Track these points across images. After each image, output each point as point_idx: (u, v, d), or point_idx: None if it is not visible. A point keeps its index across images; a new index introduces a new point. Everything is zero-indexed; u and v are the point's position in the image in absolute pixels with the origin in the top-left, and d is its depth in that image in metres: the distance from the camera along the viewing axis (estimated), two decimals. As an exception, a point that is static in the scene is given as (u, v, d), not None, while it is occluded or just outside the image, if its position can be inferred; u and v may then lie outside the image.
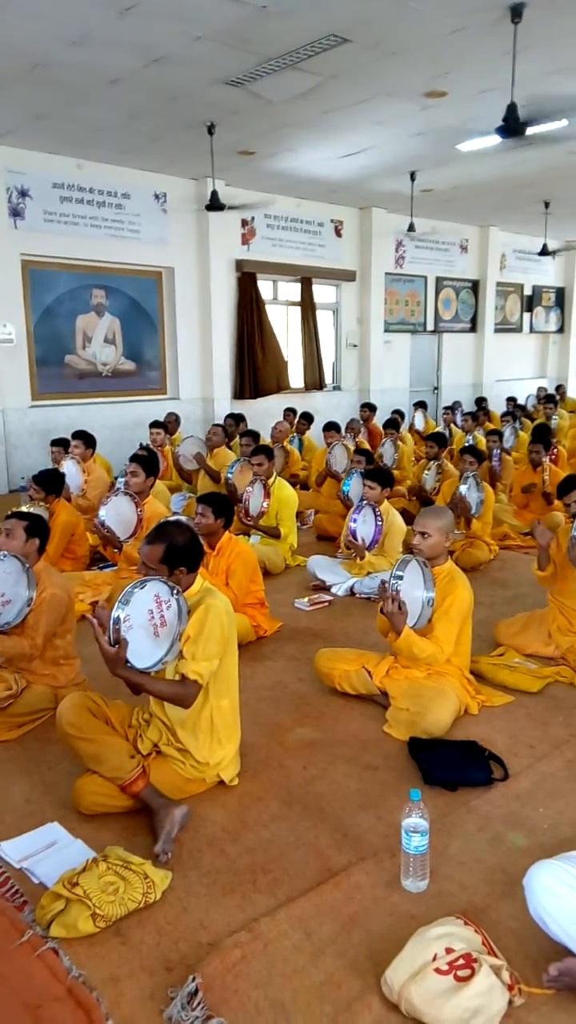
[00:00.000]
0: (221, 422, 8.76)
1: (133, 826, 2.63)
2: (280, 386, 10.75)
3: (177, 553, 2.70)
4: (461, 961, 1.93)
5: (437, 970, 1.91)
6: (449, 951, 1.96)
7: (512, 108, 5.49)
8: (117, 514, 4.90)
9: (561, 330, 16.32)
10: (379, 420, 10.19)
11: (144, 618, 2.56)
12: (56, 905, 2.18)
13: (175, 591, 2.63)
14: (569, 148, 8.19)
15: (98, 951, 2.11)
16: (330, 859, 2.49)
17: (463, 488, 5.82)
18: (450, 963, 1.93)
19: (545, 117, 6.64)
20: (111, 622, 2.48)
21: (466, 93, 6.54)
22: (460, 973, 1.90)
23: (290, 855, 2.51)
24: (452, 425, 10.44)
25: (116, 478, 6.63)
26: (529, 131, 5.66)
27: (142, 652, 2.56)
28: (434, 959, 1.94)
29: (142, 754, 2.71)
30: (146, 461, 5.19)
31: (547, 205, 11.45)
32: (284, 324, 11.38)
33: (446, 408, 11.07)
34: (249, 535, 6.03)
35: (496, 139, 5.85)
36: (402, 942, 2.00)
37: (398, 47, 5.57)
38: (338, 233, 11.46)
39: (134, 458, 5.27)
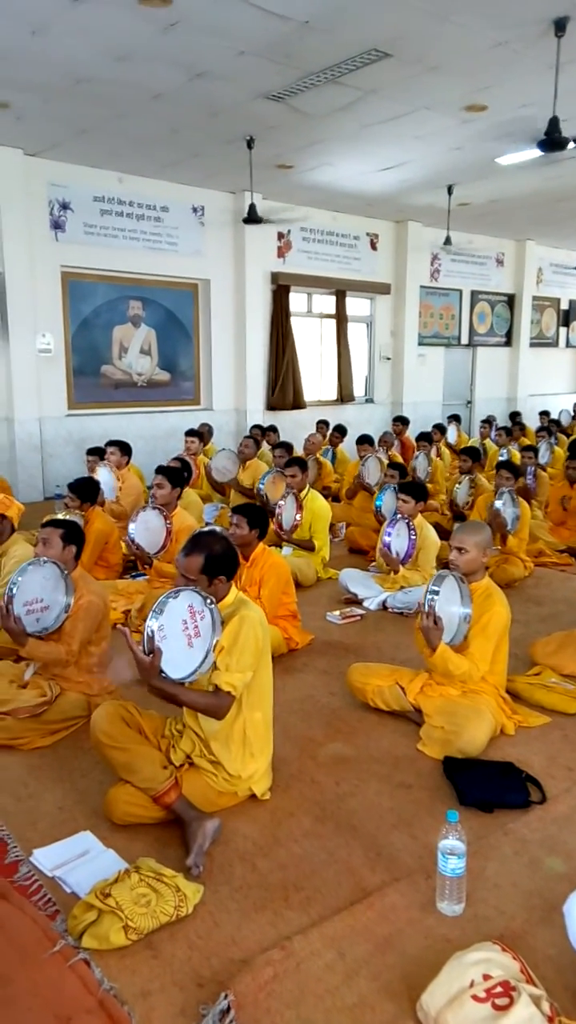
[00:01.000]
0: (246, 435, 8.81)
1: (165, 838, 2.62)
2: (296, 403, 10.71)
3: (216, 562, 2.71)
4: (499, 989, 1.88)
5: (474, 997, 1.86)
6: (487, 978, 1.90)
7: (554, 122, 5.45)
8: (146, 529, 4.88)
9: (598, 345, 16.14)
10: (412, 433, 10.13)
11: (178, 628, 2.56)
12: (88, 916, 2.17)
13: (209, 601, 2.63)
14: (610, 162, 8.12)
15: (129, 964, 2.10)
16: (363, 878, 2.45)
17: (499, 503, 5.76)
18: (488, 990, 1.88)
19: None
20: (146, 631, 2.48)
21: (507, 107, 6.52)
22: (498, 1002, 1.85)
23: (322, 873, 2.48)
24: (487, 439, 10.37)
25: (149, 487, 6.67)
26: (571, 145, 5.60)
27: (177, 662, 2.56)
28: (471, 985, 1.89)
29: (175, 765, 2.70)
30: (171, 472, 5.14)
31: (586, 219, 11.37)
32: (318, 336, 11.41)
33: (483, 422, 10.99)
34: (281, 547, 6.02)
35: (536, 153, 5.83)
36: (437, 966, 1.96)
37: (439, 61, 5.57)
38: (373, 246, 11.48)
39: (160, 469, 5.22)
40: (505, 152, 7.72)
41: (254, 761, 2.78)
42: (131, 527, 4.85)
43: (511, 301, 13.81)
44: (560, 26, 5.00)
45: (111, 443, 7.00)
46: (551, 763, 3.14)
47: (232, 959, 2.13)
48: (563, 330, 15.21)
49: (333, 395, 11.39)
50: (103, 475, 6.48)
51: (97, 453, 7.15)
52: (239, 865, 2.52)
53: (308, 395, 11.25)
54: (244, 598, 2.87)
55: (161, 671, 2.51)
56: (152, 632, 2.50)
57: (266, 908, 2.32)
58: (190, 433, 8.24)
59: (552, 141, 5.47)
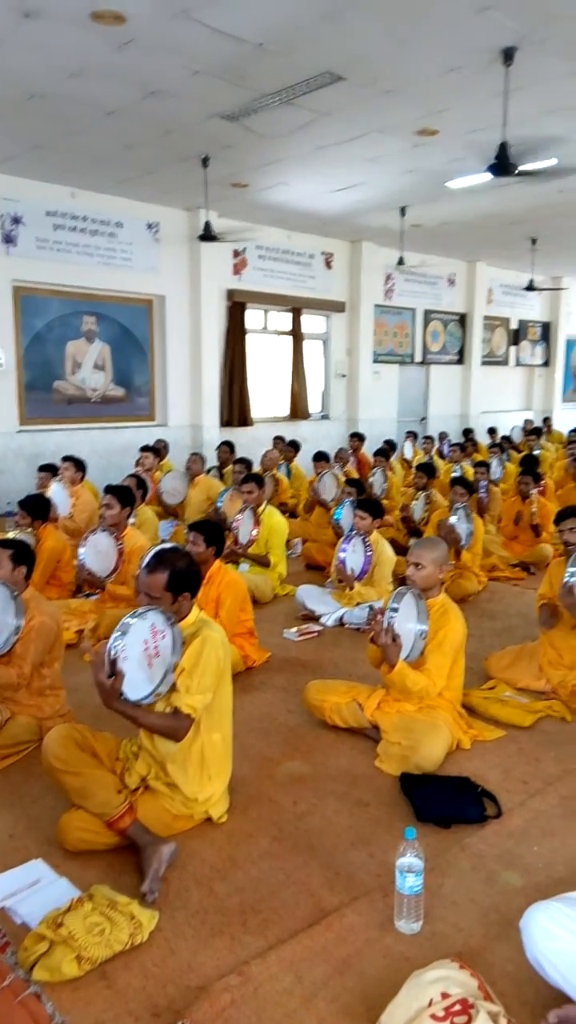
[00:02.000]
0: (199, 451, 8.77)
1: (119, 864, 2.56)
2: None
3: (181, 579, 2.68)
4: (457, 1007, 1.88)
5: (433, 1016, 1.85)
6: (445, 996, 1.90)
7: (503, 147, 5.60)
8: (97, 552, 4.74)
9: (546, 364, 16.55)
10: (367, 450, 10.23)
11: (139, 648, 2.52)
12: (40, 947, 2.10)
13: (171, 620, 2.60)
14: (557, 186, 8.37)
15: (83, 995, 2.04)
16: (322, 899, 2.43)
17: (453, 519, 5.82)
18: (446, 1009, 1.87)
19: (535, 156, 6.78)
20: (107, 653, 2.44)
21: (457, 132, 6.68)
22: (457, 1020, 1.84)
23: (280, 894, 2.45)
24: (437, 455, 10.53)
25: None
26: (519, 169, 5.76)
27: (136, 683, 2.51)
28: (430, 1004, 1.88)
29: (129, 788, 2.64)
30: (121, 492, 4.99)
31: (534, 242, 11.67)
32: (275, 353, 11.47)
33: (426, 438, 11.17)
34: (238, 563, 5.99)
35: (486, 177, 5.96)
36: (396, 986, 1.95)
37: (392, 85, 5.68)
38: (328, 265, 11.61)
39: (108, 489, 5.05)
40: (456, 176, 7.90)
41: (212, 784, 2.74)
42: (80, 551, 4.72)
43: (463, 320, 14.09)
44: (508, 55, 5.15)
45: (65, 459, 6.90)
46: (506, 777, 3.17)
47: (189, 986, 2.09)
48: (513, 349, 15.57)
49: (287, 412, 11.44)
50: (56, 491, 6.38)
51: (49, 469, 7.04)
52: (196, 890, 2.47)
53: (265, 411, 11.29)
54: (206, 618, 2.85)
55: (121, 693, 2.47)
56: (114, 653, 2.45)
57: (223, 933, 2.29)
58: (145, 449, 8.16)
59: (501, 166, 5.61)
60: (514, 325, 15.43)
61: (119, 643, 2.46)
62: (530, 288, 12.22)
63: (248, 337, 10.68)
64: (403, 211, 9.57)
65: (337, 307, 11.80)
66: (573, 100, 5.96)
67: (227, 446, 8.99)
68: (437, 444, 11.29)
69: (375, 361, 12.49)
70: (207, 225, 8.25)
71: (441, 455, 10.78)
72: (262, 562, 5.82)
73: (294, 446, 9.55)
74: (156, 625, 2.56)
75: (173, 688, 2.60)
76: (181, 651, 2.60)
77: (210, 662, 2.64)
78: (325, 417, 12.27)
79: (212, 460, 9.31)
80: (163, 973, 2.13)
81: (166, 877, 2.49)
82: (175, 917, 2.34)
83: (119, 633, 2.48)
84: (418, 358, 13.38)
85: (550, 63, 5.28)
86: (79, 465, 6.89)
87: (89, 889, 2.31)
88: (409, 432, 11.91)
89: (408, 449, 11.19)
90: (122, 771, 2.70)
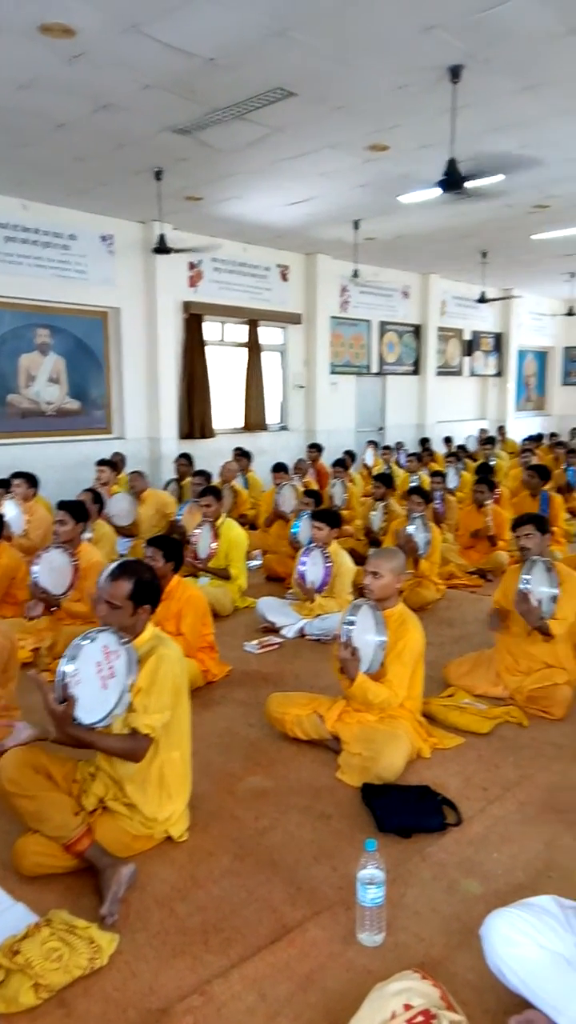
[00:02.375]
0: (140, 469, 8.65)
1: (78, 887, 2.51)
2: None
3: (144, 589, 2.67)
4: (420, 1018, 1.88)
5: (396, 1029, 1.85)
6: (408, 1008, 1.90)
7: (452, 163, 5.71)
8: (51, 569, 4.63)
9: (499, 374, 16.86)
10: (326, 460, 10.28)
11: (92, 671, 2.48)
12: (-5, 977, 2.05)
13: (124, 640, 2.57)
14: (505, 202, 8.56)
15: (40, 1025, 1.99)
16: (284, 915, 2.41)
17: (411, 528, 5.89)
18: (409, 1020, 1.87)
19: (483, 172, 6.92)
20: (58, 678, 2.40)
21: (408, 147, 6.79)
22: (420, 1031, 1.85)
23: (242, 912, 2.43)
24: (395, 465, 10.64)
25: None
26: (468, 185, 5.87)
27: (90, 706, 2.47)
28: (392, 1017, 1.88)
29: (87, 810, 2.60)
30: (73, 508, 4.89)
31: (484, 255, 11.90)
32: (233, 365, 11.48)
33: (384, 448, 11.30)
34: (197, 577, 5.96)
35: (437, 192, 6.05)
36: (359, 1000, 1.95)
37: (343, 102, 5.75)
38: (284, 277, 11.67)
39: (61, 505, 4.94)
40: (407, 191, 8.02)
41: (172, 803, 2.71)
42: (34, 570, 4.62)
43: (418, 332, 14.28)
44: (455, 73, 5.25)
45: (16, 475, 6.76)
46: (466, 784, 3.20)
47: (150, 1009, 2.05)
48: (467, 359, 15.83)
49: (242, 423, 11.45)
50: (9, 509, 6.25)
51: (3, 486, 6.91)
52: (156, 910, 2.44)
53: (223, 423, 11.27)
54: (161, 635, 2.82)
55: (75, 718, 2.43)
56: (65, 678, 2.41)
57: (185, 953, 2.26)
58: (101, 463, 8.07)
59: (450, 182, 5.72)
60: (467, 336, 15.70)
61: (69, 667, 2.42)
62: (482, 300, 12.45)
63: (207, 349, 10.67)
64: (357, 224, 9.69)
65: (293, 319, 11.87)
66: (519, 118, 6.11)
67: (185, 458, 8.94)
68: (395, 454, 11.42)
69: (332, 372, 12.58)
70: (162, 238, 8.23)
71: (399, 465, 10.90)
72: (222, 575, 5.80)
73: (247, 456, 9.54)
74: (109, 646, 2.53)
75: (130, 708, 2.56)
76: (137, 670, 2.57)
77: (167, 680, 2.61)
78: (284, 428, 12.30)
79: (170, 473, 9.27)
80: (124, 997, 2.09)
81: (126, 899, 2.45)
82: (135, 939, 2.31)
83: (69, 657, 2.44)
84: (374, 369, 13.52)
85: (496, 81, 5.40)
86: (31, 481, 6.77)
87: (47, 914, 2.26)
88: (370, 441, 12.04)
89: (369, 456, 11.30)
90: (79, 793, 2.66)
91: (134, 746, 2.54)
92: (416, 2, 4.32)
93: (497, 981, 1.97)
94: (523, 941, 1.90)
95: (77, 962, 2.13)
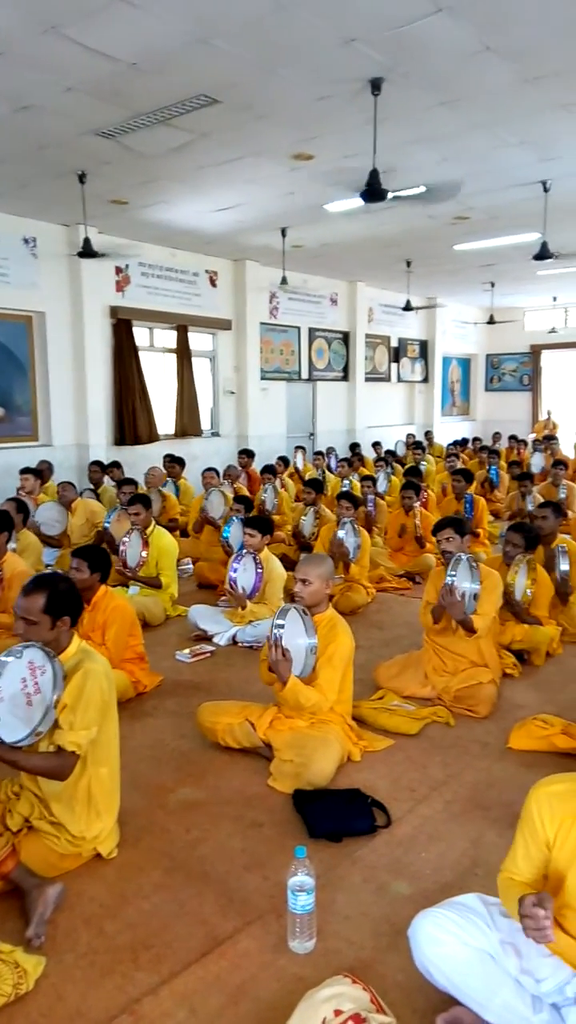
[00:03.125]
0: (68, 478, 8.51)
1: (2, 910, 2.44)
2: (151, 437, 10.65)
3: (60, 601, 2.59)
4: (350, 1022, 1.90)
5: (327, 1035, 1.86)
6: (338, 1013, 1.92)
7: (374, 174, 5.79)
8: None
9: (426, 380, 17.22)
10: (258, 466, 10.29)
11: (16, 687, 2.41)
12: None
13: (50, 655, 2.50)
14: (427, 212, 8.75)
15: (-39, 1058, 1.92)
16: (215, 927, 2.40)
17: (341, 533, 5.95)
18: (339, 1026, 1.89)
19: (405, 183, 7.06)
20: None
21: (332, 157, 6.87)
22: (350, 1035, 1.87)
23: (173, 927, 2.40)
24: (327, 470, 10.75)
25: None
26: (390, 196, 5.97)
27: (14, 725, 2.40)
28: (323, 1023, 1.90)
29: (11, 830, 2.53)
30: None
31: (408, 264, 12.14)
32: (161, 371, 11.38)
33: (316, 453, 11.40)
34: (128, 586, 5.88)
35: (360, 202, 6.14)
36: (291, 1008, 1.95)
37: (267, 111, 5.78)
38: (213, 283, 11.64)
39: None
40: (332, 199, 8.11)
41: (100, 820, 2.66)
42: None
43: (346, 338, 14.46)
44: (376, 85, 5.34)
45: None
46: (395, 785, 3.25)
47: (78, 1034, 2.01)
48: (394, 366, 16.11)
49: (171, 429, 11.36)
50: None
51: None
52: (84, 930, 2.39)
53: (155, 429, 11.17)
54: (88, 648, 2.76)
55: None
56: None
57: (114, 972, 2.22)
58: (26, 471, 7.87)
59: (372, 192, 5.80)
60: (394, 343, 15.98)
61: None
62: (407, 308, 12.69)
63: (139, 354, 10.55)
64: (284, 232, 9.74)
65: (223, 325, 11.85)
66: (438, 131, 6.26)
67: (97, 465, 8.79)
68: (326, 459, 11.53)
69: (263, 378, 12.61)
70: (87, 241, 8.08)
71: (330, 470, 11.01)
72: (153, 584, 5.73)
73: (179, 462, 9.47)
74: (35, 661, 2.46)
75: (55, 726, 2.50)
76: (63, 686, 2.52)
77: (93, 695, 2.56)
78: (216, 434, 12.26)
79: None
80: (50, 1022, 2.04)
81: (53, 919, 2.40)
82: (63, 961, 2.26)
83: None
84: (304, 375, 13.61)
85: (415, 95, 5.52)
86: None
87: (-32, 942, 2.18)
88: (298, 446, 12.14)
89: (300, 461, 11.38)
90: (3, 812, 2.58)
91: (60, 764, 2.48)
92: (336, 15, 4.38)
93: (425, 981, 2.00)
94: (448, 940, 1.94)
95: (1, 989, 2.06)
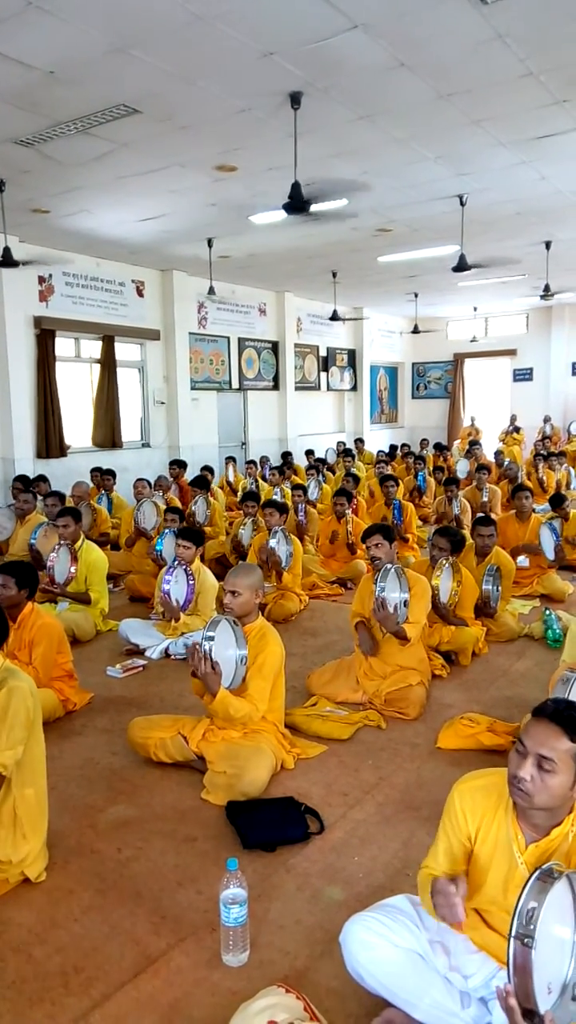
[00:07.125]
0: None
1: None
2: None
3: None
4: (284, 1032, 1.90)
5: (261, 1047, 1.86)
6: (272, 1024, 1.92)
7: (296, 186, 5.86)
8: None
9: (354, 388, 17.46)
10: (190, 475, 10.24)
11: None
12: None
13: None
14: (351, 224, 8.89)
15: None
16: (148, 945, 2.36)
17: (272, 542, 5.97)
18: (273, 1036, 1.89)
19: (326, 196, 7.15)
20: None
21: (255, 169, 6.91)
22: (284, 1046, 1.87)
23: (105, 948, 2.35)
24: (260, 479, 10.77)
25: None
26: (312, 208, 6.05)
27: None
28: (257, 1035, 1.89)
29: None
30: None
31: (335, 275, 12.30)
32: (89, 382, 11.21)
33: (249, 462, 11.42)
34: (56, 602, 5.75)
35: (283, 214, 6.20)
36: (226, 1022, 1.94)
37: (188, 121, 5.78)
38: (140, 293, 11.54)
39: None
40: (257, 211, 8.16)
41: (27, 843, 2.59)
42: None
43: (275, 348, 14.54)
44: (295, 99, 5.41)
45: None
46: (328, 791, 3.27)
47: (5, 1068, 1.95)
48: (324, 375, 16.29)
49: (103, 440, 11.20)
50: None
51: None
52: (12, 958, 2.32)
53: (80, 441, 10.97)
54: (12, 667, 2.69)
55: None
56: None
57: (43, 1000, 2.16)
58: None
59: (295, 205, 5.86)
60: (323, 352, 16.16)
61: None
62: (334, 318, 12.84)
63: (59, 365, 10.35)
64: (210, 242, 9.74)
65: (151, 335, 11.75)
66: (357, 145, 6.38)
67: (20, 481, 8.60)
68: (260, 468, 11.55)
69: (193, 388, 12.56)
70: (7, 250, 7.89)
71: (264, 479, 11.03)
72: (82, 599, 5.62)
73: (111, 474, 9.35)
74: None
75: (-23, 746, 2.43)
76: (-14, 706, 2.45)
77: (19, 714, 2.50)
78: (146, 445, 12.14)
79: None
80: (-24, 1058, 1.97)
81: (-22, 951, 2.32)
82: (-11, 993, 2.18)
83: None
84: (235, 385, 13.62)
85: (334, 109, 5.62)
86: None
87: None
88: (228, 457, 12.13)
89: (230, 473, 11.37)
90: None
91: (-18, 787, 2.41)
92: (254, 28, 4.42)
93: (358, 986, 2.02)
94: (379, 943, 1.97)
95: None
